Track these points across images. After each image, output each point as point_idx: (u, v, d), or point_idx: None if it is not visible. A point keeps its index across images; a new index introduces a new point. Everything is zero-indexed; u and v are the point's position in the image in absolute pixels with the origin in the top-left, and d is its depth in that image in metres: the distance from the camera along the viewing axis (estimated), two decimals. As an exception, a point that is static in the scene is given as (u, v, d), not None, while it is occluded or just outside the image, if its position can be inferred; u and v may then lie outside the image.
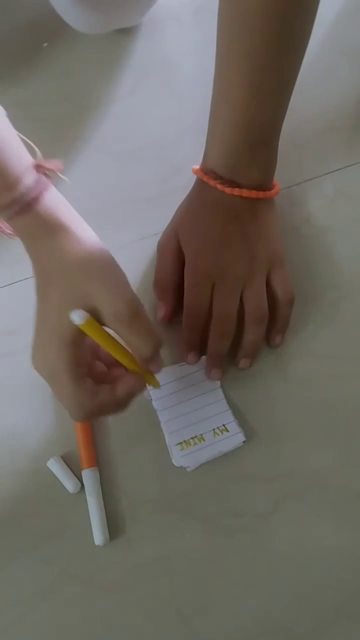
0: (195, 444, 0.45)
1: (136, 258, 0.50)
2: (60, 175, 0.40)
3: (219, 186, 0.45)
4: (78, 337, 0.36)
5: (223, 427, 0.46)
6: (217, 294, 0.45)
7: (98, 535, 0.44)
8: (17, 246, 0.53)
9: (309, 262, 0.50)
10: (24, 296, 0.52)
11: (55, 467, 0.46)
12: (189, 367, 0.47)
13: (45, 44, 0.58)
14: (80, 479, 0.46)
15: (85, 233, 0.39)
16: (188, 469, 0.45)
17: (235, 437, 0.45)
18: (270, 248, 0.47)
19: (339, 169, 0.52)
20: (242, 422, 0.46)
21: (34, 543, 0.45)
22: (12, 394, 0.49)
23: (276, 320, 0.47)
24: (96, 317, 0.36)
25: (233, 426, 0.45)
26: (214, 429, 0.46)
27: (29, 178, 0.37)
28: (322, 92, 0.53)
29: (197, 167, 0.47)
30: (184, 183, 0.49)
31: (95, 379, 0.38)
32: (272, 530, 0.44)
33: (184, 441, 0.45)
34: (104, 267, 0.38)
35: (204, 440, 0.45)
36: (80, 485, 0.45)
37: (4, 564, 0.45)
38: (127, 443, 0.46)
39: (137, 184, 0.53)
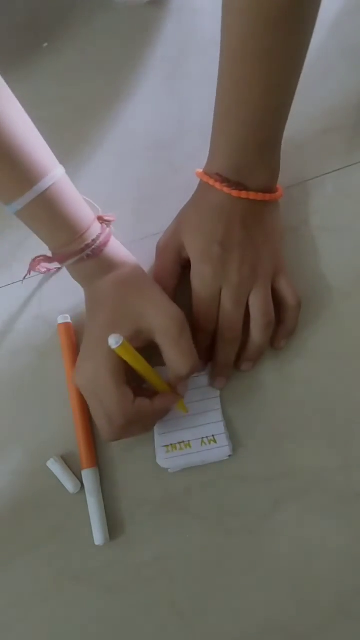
0: (181, 449, 0.45)
1: (136, 258, 0.50)
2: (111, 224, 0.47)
3: (226, 189, 0.45)
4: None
5: (212, 438, 0.46)
6: (224, 300, 0.45)
7: (98, 536, 0.44)
8: (17, 246, 0.53)
9: (309, 262, 0.50)
10: (24, 296, 0.52)
11: (55, 467, 0.46)
12: None
13: (45, 44, 0.58)
14: (80, 479, 0.46)
15: (137, 267, 0.46)
16: (169, 471, 0.45)
17: (221, 450, 0.45)
18: (274, 253, 0.47)
19: (339, 169, 0.52)
20: (242, 422, 0.46)
21: (34, 543, 0.45)
22: (12, 393, 0.49)
23: (284, 325, 0.47)
24: (146, 334, 0.42)
25: (222, 438, 0.45)
26: (202, 438, 0.46)
27: (96, 228, 0.45)
28: (322, 92, 0.53)
29: (200, 170, 0.47)
30: (184, 183, 0.49)
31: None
32: (272, 530, 0.44)
33: (171, 444, 0.46)
34: (156, 292, 0.44)
35: (190, 447, 0.45)
36: (80, 486, 0.45)
37: (3, 563, 0.45)
38: (127, 443, 0.46)
39: (137, 184, 0.53)
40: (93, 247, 0.44)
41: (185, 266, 0.48)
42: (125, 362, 0.40)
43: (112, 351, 0.38)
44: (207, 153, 0.47)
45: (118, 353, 0.38)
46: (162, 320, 0.42)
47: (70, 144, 0.55)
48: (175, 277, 0.48)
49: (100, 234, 0.45)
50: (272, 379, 0.47)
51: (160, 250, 0.49)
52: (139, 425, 0.43)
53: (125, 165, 0.54)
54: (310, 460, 0.45)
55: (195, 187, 0.48)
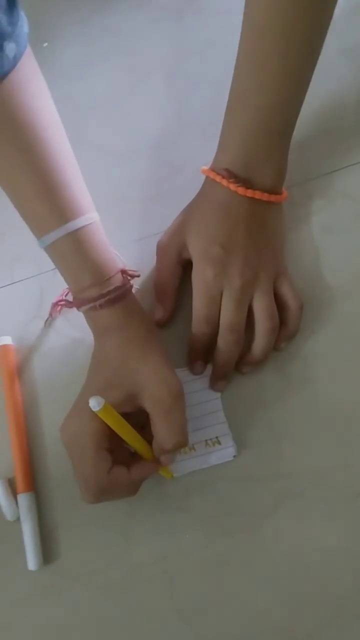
0: (185, 452, 0.45)
1: (136, 258, 0.50)
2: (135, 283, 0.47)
3: (232, 185, 0.44)
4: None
5: (216, 440, 0.45)
6: (225, 303, 0.45)
7: (32, 561, 0.44)
8: (17, 246, 0.53)
9: (309, 262, 0.50)
10: (24, 296, 0.52)
11: None
12: (191, 373, 0.47)
13: (45, 44, 0.58)
14: None
15: (148, 327, 0.45)
16: (175, 475, 0.45)
17: (226, 451, 0.45)
18: (276, 255, 0.47)
19: (339, 169, 0.52)
20: (242, 422, 0.46)
21: None
22: None
23: (286, 327, 0.47)
24: (139, 400, 0.41)
25: (226, 439, 0.45)
26: (206, 440, 0.45)
27: (118, 279, 0.44)
28: (322, 92, 0.53)
29: (206, 167, 0.47)
30: (184, 183, 0.49)
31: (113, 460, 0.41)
32: (272, 530, 0.44)
33: None
34: (158, 359, 0.42)
35: (194, 450, 0.45)
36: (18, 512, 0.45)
37: None
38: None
39: (137, 184, 0.53)
40: (111, 296, 0.43)
41: (185, 267, 0.48)
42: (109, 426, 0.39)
43: (97, 414, 0.37)
44: (207, 153, 0.47)
45: (100, 416, 0.37)
46: (157, 389, 0.41)
47: (70, 144, 0.54)
48: (177, 277, 0.48)
49: (121, 285, 0.44)
50: (272, 379, 0.47)
51: (161, 250, 0.49)
52: (114, 493, 0.41)
53: (125, 165, 0.54)
54: (310, 460, 0.45)
55: (196, 186, 0.48)
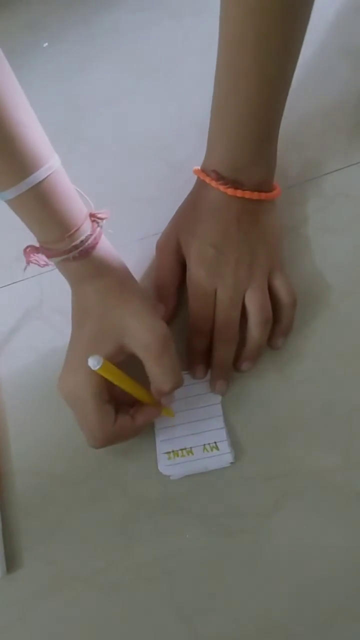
0: (183, 455, 0.45)
1: (136, 258, 0.50)
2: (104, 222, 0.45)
3: (222, 187, 0.44)
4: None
5: (214, 445, 0.45)
6: (220, 300, 0.45)
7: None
8: (17, 246, 0.53)
9: (308, 262, 0.50)
10: (24, 296, 0.52)
11: None
12: (191, 377, 0.47)
13: (46, 44, 0.58)
14: None
15: (124, 274, 0.44)
16: (171, 478, 0.45)
17: (223, 457, 0.45)
18: (270, 251, 0.47)
19: (338, 169, 0.52)
20: (242, 422, 0.46)
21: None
22: None
23: (280, 323, 0.47)
24: (129, 349, 0.41)
25: (224, 445, 0.45)
26: (204, 445, 0.45)
27: (86, 227, 0.43)
28: (322, 92, 0.53)
29: (197, 167, 0.47)
30: (184, 183, 0.49)
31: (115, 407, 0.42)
32: (272, 530, 0.44)
33: (173, 451, 0.45)
34: (139, 305, 0.42)
35: (192, 454, 0.45)
36: None
37: None
38: (128, 443, 0.46)
39: (137, 184, 0.53)
40: (81, 248, 0.42)
41: (185, 265, 0.48)
42: (106, 379, 0.40)
43: (94, 372, 0.38)
44: (205, 156, 0.47)
45: (100, 373, 0.38)
46: (144, 335, 0.41)
47: (70, 144, 0.55)
48: (176, 276, 0.48)
49: (90, 234, 0.43)
50: (272, 379, 0.47)
51: (160, 250, 0.49)
52: (120, 439, 0.43)
53: (125, 165, 0.54)
54: (310, 460, 0.45)
55: (195, 187, 0.48)
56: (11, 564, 0.45)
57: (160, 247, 0.49)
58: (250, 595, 0.43)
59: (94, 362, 0.37)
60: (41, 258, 0.47)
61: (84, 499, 0.46)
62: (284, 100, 0.44)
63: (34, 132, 0.42)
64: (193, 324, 0.46)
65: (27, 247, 0.46)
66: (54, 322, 0.50)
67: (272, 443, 0.46)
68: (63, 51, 0.58)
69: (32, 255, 0.46)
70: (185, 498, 0.45)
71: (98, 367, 0.37)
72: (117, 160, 0.54)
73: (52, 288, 0.51)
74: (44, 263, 0.48)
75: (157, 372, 0.41)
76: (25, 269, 0.47)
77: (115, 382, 0.40)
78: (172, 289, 0.48)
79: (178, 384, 0.42)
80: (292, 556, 0.43)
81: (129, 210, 0.52)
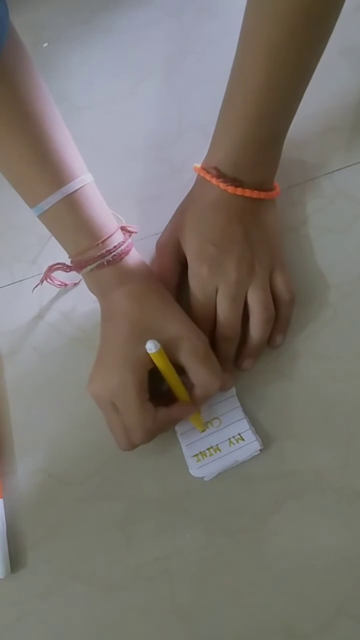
0: (211, 454, 0.45)
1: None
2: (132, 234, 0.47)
3: (222, 185, 0.44)
4: (147, 365, 0.41)
5: (239, 437, 0.45)
6: (221, 298, 0.45)
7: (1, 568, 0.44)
8: (17, 246, 0.53)
9: (309, 262, 0.50)
10: (24, 296, 0.52)
11: None
12: None
13: (45, 44, 0.58)
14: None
15: (156, 281, 0.46)
16: (205, 479, 0.45)
17: (251, 446, 0.45)
18: (271, 250, 0.47)
19: (339, 169, 0.52)
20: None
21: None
22: None
23: (278, 320, 0.47)
24: (170, 354, 0.42)
25: (248, 435, 0.45)
26: (229, 439, 0.45)
27: (118, 236, 0.45)
28: (322, 92, 0.53)
29: (198, 165, 0.47)
30: (184, 183, 0.49)
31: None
32: (272, 530, 0.44)
33: (200, 452, 0.45)
34: (178, 310, 0.44)
35: (220, 450, 0.45)
36: None
37: None
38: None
39: (137, 184, 0.53)
40: (113, 253, 0.44)
41: (185, 264, 0.48)
42: (147, 377, 0.41)
43: (139, 368, 0.40)
44: (207, 153, 0.47)
45: (153, 358, 0.40)
46: (189, 339, 0.42)
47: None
48: (176, 275, 0.48)
49: (122, 242, 0.45)
50: (272, 380, 0.47)
51: (160, 249, 0.49)
52: (156, 435, 0.43)
53: (125, 165, 0.54)
54: (310, 460, 0.45)
55: (196, 186, 0.48)
56: (14, 563, 0.45)
57: (161, 246, 0.49)
58: (250, 595, 0.43)
59: (151, 346, 0.38)
60: (56, 279, 0.49)
61: (85, 499, 0.46)
62: (292, 110, 0.44)
63: (69, 149, 0.45)
64: (194, 322, 0.46)
65: (55, 264, 0.48)
66: (54, 322, 0.50)
67: (272, 443, 0.46)
68: (63, 51, 0.58)
69: (51, 274, 0.48)
70: (185, 498, 0.45)
71: (154, 350, 0.38)
72: (117, 160, 0.54)
73: (52, 288, 0.51)
74: (59, 283, 0.50)
75: (205, 373, 0.42)
76: (35, 287, 0.48)
77: (164, 371, 0.41)
78: (172, 287, 0.48)
79: (225, 385, 0.44)
80: (292, 556, 0.43)
81: (129, 210, 0.52)
